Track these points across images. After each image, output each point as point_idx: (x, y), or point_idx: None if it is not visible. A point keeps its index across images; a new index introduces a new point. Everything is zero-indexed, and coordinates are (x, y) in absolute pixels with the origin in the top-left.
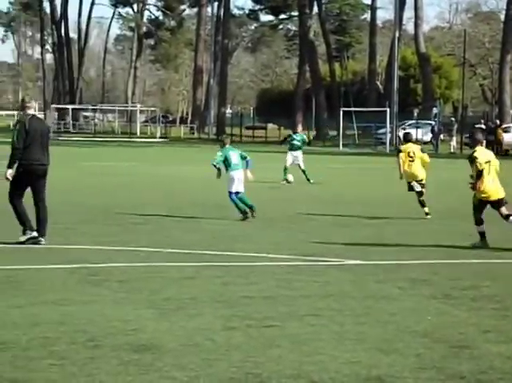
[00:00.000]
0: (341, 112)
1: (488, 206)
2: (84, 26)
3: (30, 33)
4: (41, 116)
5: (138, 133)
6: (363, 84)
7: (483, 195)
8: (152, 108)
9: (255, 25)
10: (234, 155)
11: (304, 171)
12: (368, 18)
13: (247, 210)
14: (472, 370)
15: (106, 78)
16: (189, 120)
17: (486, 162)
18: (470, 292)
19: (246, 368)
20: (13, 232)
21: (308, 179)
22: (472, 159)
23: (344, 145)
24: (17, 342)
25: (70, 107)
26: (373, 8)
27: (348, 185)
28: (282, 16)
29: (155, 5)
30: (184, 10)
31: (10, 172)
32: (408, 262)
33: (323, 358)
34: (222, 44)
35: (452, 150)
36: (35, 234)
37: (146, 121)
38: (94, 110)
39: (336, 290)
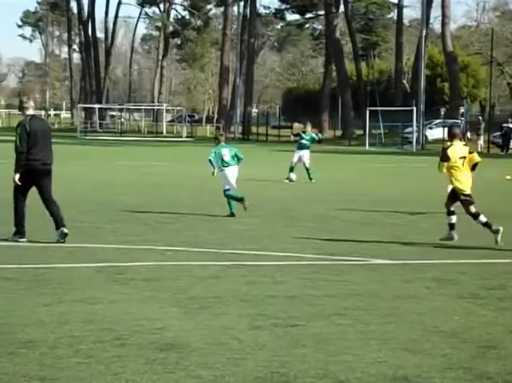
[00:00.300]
0: (367, 112)
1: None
2: (110, 26)
3: (58, 33)
4: (67, 115)
5: (164, 132)
6: (389, 83)
7: (462, 190)
8: (178, 108)
9: (281, 24)
10: (227, 153)
11: (307, 169)
12: (395, 17)
13: (234, 211)
14: (499, 371)
15: (132, 77)
16: (215, 120)
17: (461, 157)
18: (498, 292)
19: (271, 367)
20: (40, 231)
21: (310, 178)
22: (445, 157)
23: (370, 144)
24: (44, 340)
25: (97, 106)
26: (400, 7)
27: (374, 184)
28: (309, 15)
29: (181, 5)
30: (210, 10)
31: (18, 177)
32: (435, 262)
33: (349, 358)
34: (249, 43)
35: (480, 149)
36: (24, 240)
37: (172, 120)
38: (121, 109)
39: (362, 290)
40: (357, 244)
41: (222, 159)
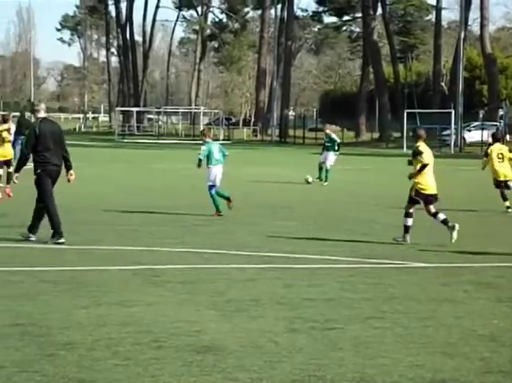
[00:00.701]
0: (405, 114)
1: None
2: (148, 29)
3: (96, 37)
4: (106, 118)
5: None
6: (427, 86)
7: (421, 187)
8: (215, 111)
9: (319, 26)
10: (216, 150)
11: (326, 171)
12: (433, 19)
13: (220, 209)
14: None
15: (170, 81)
16: (252, 122)
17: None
18: None
19: (308, 370)
20: (77, 234)
21: (320, 179)
22: (417, 153)
23: (407, 147)
24: (82, 343)
25: (135, 109)
26: (438, 9)
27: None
28: (346, 17)
29: (218, 8)
30: (248, 13)
31: (17, 175)
32: (472, 265)
33: (386, 361)
34: (286, 46)
35: None
36: (63, 240)
37: (209, 123)
38: (158, 112)
39: (399, 293)
40: (394, 247)
41: (213, 158)
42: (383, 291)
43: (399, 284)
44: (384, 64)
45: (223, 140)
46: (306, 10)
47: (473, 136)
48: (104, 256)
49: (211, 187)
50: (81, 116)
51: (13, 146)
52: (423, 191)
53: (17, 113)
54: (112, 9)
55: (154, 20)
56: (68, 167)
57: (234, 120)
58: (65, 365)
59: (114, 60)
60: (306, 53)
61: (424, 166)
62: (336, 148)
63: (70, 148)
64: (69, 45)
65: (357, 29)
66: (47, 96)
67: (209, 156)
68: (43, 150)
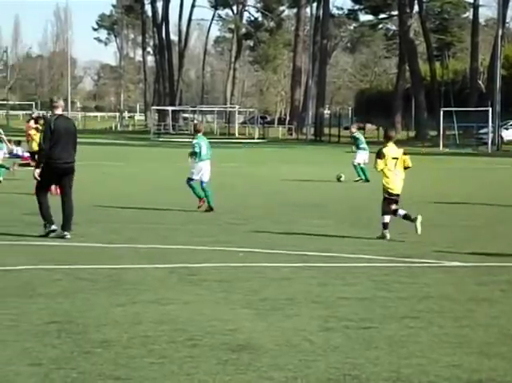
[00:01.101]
0: (441, 112)
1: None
2: (184, 28)
3: (132, 36)
4: (141, 117)
5: (236, 134)
6: (464, 84)
7: (389, 187)
8: (251, 109)
9: (354, 24)
10: (204, 146)
11: (355, 168)
12: (471, 16)
13: (203, 199)
14: None
15: (205, 79)
16: (287, 121)
17: (394, 158)
18: None
19: (343, 369)
20: (114, 232)
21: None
22: (379, 155)
23: (444, 145)
24: (118, 340)
25: (170, 108)
26: (475, 6)
27: (447, 185)
28: (382, 15)
29: (254, 7)
30: (283, 11)
31: (38, 172)
32: (509, 265)
33: (422, 361)
34: (321, 44)
35: None
36: (54, 227)
37: (244, 122)
38: (193, 111)
39: (435, 292)
40: (430, 246)
41: (202, 153)
42: (418, 290)
43: (434, 283)
44: (421, 62)
45: (258, 138)
46: (342, 8)
47: (510, 134)
48: (140, 255)
49: (190, 179)
50: (117, 115)
51: None
52: (391, 191)
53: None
54: (148, 8)
55: (190, 19)
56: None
57: (269, 119)
58: (102, 362)
59: (150, 59)
60: (342, 52)
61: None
62: (360, 145)
63: (106, 147)
64: (106, 44)
65: (393, 27)
66: (84, 96)
67: (199, 152)
68: (53, 146)
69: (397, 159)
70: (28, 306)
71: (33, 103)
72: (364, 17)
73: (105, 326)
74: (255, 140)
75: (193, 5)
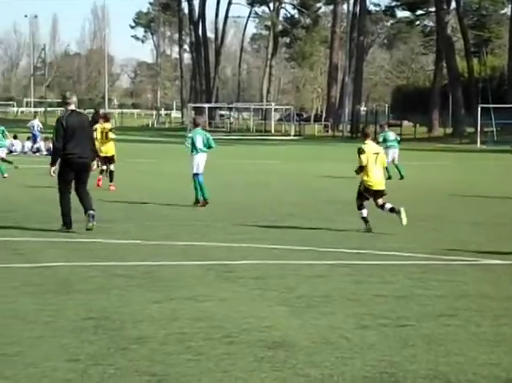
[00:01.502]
0: (479, 109)
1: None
2: (221, 26)
3: (169, 34)
4: (178, 114)
5: (272, 131)
6: (502, 80)
7: (369, 184)
8: (287, 106)
9: (391, 21)
10: (199, 139)
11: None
12: (509, 12)
13: (200, 199)
14: None
15: (242, 77)
16: (323, 118)
17: (374, 153)
18: None
19: (380, 367)
20: (151, 229)
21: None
22: (360, 152)
23: (481, 142)
24: (155, 337)
25: (206, 105)
26: None
27: (485, 182)
28: (419, 12)
29: (291, 4)
30: (320, 8)
31: (53, 169)
32: None
33: (460, 359)
34: (358, 41)
35: None
36: (67, 229)
37: (280, 119)
38: (230, 108)
39: (473, 290)
40: (467, 244)
41: (195, 145)
42: (455, 288)
43: (472, 281)
44: (458, 58)
45: (294, 135)
46: (379, 5)
47: None
48: (177, 251)
49: (196, 175)
50: (154, 112)
51: None
52: (371, 188)
53: (92, 110)
54: (184, 5)
55: (226, 16)
56: (92, 159)
57: (305, 116)
58: (138, 358)
59: (186, 56)
60: (379, 48)
61: (361, 167)
62: (387, 144)
63: (144, 144)
64: (143, 42)
65: (431, 24)
66: (120, 93)
67: (193, 145)
68: (67, 142)
69: (377, 154)
70: (65, 302)
71: None
72: (401, 14)
73: (142, 323)
74: (291, 137)
75: (229, 3)
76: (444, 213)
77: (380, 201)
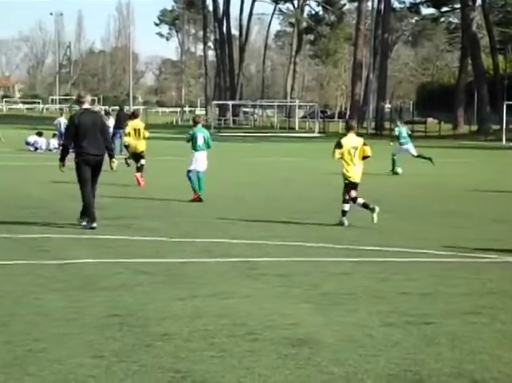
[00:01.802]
0: (505, 106)
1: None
2: (245, 23)
3: (193, 31)
4: (202, 111)
5: (296, 128)
6: None
7: (348, 176)
8: (311, 103)
9: (416, 18)
10: (200, 137)
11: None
12: None
13: (198, 193)
14: None
15: (266, 74)
16: (347, 115)
17: (353, 147)
18: None
19: (404, 365)
20: (176, 226)
21: (396, 172)
22: (338, 145)
23: (507, 139)
24: (179, 334)
25: (230, 103)
26: None
27: (509, 180)
28: (444, 8)
29: (315, 1)
30: (344, 5)
31: (62, 164)
32: None
33: (484, 357)
34: (382, 38)
35: None
36: (94, 225)
37: (304, 116)
38: (254, 106)
39: (498, 288)
40: (492, 241)
41: (196, 143)
42: (480, 286)
43: (497, 279)
44: (483, 55)
45: (318, 132)
46: (403, 2)
47: None
48: (201, 249)
49: (189, 171)
50: (178, 109)
51: (112, 140)
52: (349, 179)
53: (117, 107)
54: (209, 3)
55: (250, 13)
56: (111, 156)
57: (329, 113)
58: (162, 355)
59: (211, 54)
60: (403, 45)
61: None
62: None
63: (168, 142)
64: (167, 39)
65: (456, 21)
66: (145, 91)
67: (193, 142)
68: (81, 140)
69: (357, 148)
70: (90, 299)
71: (96, 98)
72: (426, 11)
73: (166, 320)
74: (315, 135)
75: (254, 0)
76: (469, 210)
77: (353, 194)
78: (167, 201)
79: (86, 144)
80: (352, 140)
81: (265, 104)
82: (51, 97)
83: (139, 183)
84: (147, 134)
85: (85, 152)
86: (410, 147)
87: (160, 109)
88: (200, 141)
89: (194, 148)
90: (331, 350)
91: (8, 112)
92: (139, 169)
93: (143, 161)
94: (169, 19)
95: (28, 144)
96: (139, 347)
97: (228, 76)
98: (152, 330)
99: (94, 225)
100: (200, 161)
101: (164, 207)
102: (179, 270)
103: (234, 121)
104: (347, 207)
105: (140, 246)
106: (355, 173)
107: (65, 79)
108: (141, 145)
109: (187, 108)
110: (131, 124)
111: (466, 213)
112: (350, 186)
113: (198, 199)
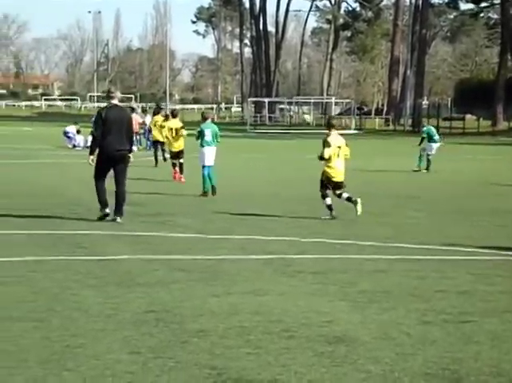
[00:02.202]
0: None
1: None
2: (281, 20)
3: (230, 28)
4: (238, 108)
5: None
6: None
7: (331, 175)
8: (347, 100)
9: (455, 13)
10: (208, 133)
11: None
12: None
13: (209, 190)
14: None
15: (302, 71)
16: (384, 112)
17: (338, 147)
18: None
19: (442, 363)
20: (211, 223)
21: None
22: (325, 145)
23: None
24: (215, 330)
25: (266, 100)
26: None
27: None
28: (483, 4)
29: None
30: (382, 1)
31: (92, 158)
32: None
33: None
34: (420, 34)
35: None
36: (107, 211)
37: (341, 113)
38: (289, 103)
39: None
40: None
41: (204, 139)
42: None
43: None
44: None
45: (355, 129)
46: None
47: None
48: (237, 246)
49: (204, 167)
50: (214, 106)
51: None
52: (332, 179)
53: (153, 104)
54: (245, 0)
55: (287, 10)
56: (129, 151)
57: (365, 110)
58: (198, 352)
59: (247, 51)
60: (441, 41)
61: (322, 158)
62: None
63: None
64: (204, 36)
65: (495, 16)
66: (181, 88)
67: (201, 138)
68: (105, 134)
69: (340, 147)
70: (127, 295)
71: (133, 96)
72: (465, 6)
73: (201, 316)
74: (351, 131)
75: None
76: (509, 208)
77: (338, 191)
78: (202, 197)
79: (109, 139)
80: (337, 139)
81: (302, 101)
82: (89, 95)
83: (178, 180)
84: (184, 132)
85: (107, 146)
86: (436, 146)
87: (196, 106)
88: (208, 137)
89: (202, 143)
90: (367, 348)
91: (47, 110)
92: (180, 168)
93: (181, 160)
94: (206, 16)
95: (66, 134)
96: (175, 343)
97: (264, 74)
98: (188, 327)
99: (107, 211)
100: (208, 156)
101: (200, 204)
102: (214, 267)
103: (269, 118)
104: (329, 200)
105: (176, 243)
106: (337, 172)
107: (103, 77)
108: (179, 144)
109: (223, 105)
110: (169, 124)
111: (505, 210)
112: (329, 185)
113: (203, 193)
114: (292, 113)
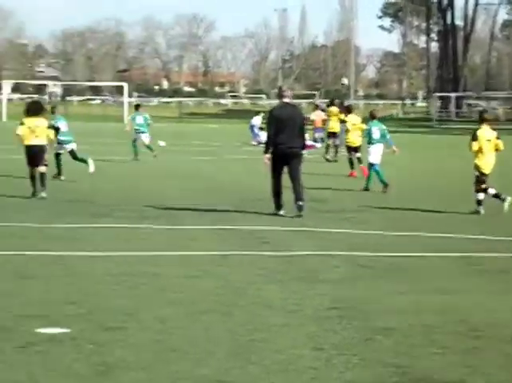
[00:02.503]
0: None
1: None
2: (470, 13)
3: (416, 23)
4: (423, 104)
5: None
6: None
7: (482, 168)
8: None
9: None
10: (376, 130)
11: None
12: None
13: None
14: None
15: (491, 64)
16: None
17: (488, 140)
18: None
19: None
20: (392, 221)
21: None
22: (474, 137)
23: None
24: (399, 328)
25: (453, 95)
26: None
27: None
28: None
29: None
30: None
31: (267, 157)
32: None
33: None
34: None
35: None
36: (281, 212)
37: None
38: (478, 97)
39: None
40: None
41: (371, 137)
42: None
43: None
44: None
45: None
46: None
47: None
48: (421, 242)
49: (372, 165)
50: (399, 102)
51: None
52: (481, 170)
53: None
54: None
55: (476, 3)
56: (302, 148)
57: None
58: (382, 349)
59: (433, 45)
60: None
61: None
62: None
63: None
64: (389, 32)
65: None
66: (365, 84)
67: (369, 136)
68: (277, 132)
69: (490, 141)
70: (310, 291)
71: (317, 92)
72: None
73: (386, 314)
74: None
75: None
76: None
77: (484, 186)
78: (384, 194)
79: (281, 137)
80: (486, 133)
81: (491, 95)
82: (274, 92)
83: (364, 174)
84: (349, 127)
85: (279, 143)
86: None
87: (381, 102)
88: (376, 135)
89: (370, 141)
90: None
91: (233, 107)
92: (358, 162)
93: (358, 155)
94: (392, 11)
95: (252, 127)
96: (358, 341)
97: (451, 68)
98: (372, 324)
99: (281, 212)
100: (375, 154)
101: (382, 200)
102: (399, 265)
103: (457, 114)
104: (481, 195)
105: (360, 239)
106: (487, 165)
107: (288, 74)
108: (357, 139)
109: (408, 101)
110: (350, 119)
111: None
112: (482, 177)
113: (365, 188)
114: (480, 108)
